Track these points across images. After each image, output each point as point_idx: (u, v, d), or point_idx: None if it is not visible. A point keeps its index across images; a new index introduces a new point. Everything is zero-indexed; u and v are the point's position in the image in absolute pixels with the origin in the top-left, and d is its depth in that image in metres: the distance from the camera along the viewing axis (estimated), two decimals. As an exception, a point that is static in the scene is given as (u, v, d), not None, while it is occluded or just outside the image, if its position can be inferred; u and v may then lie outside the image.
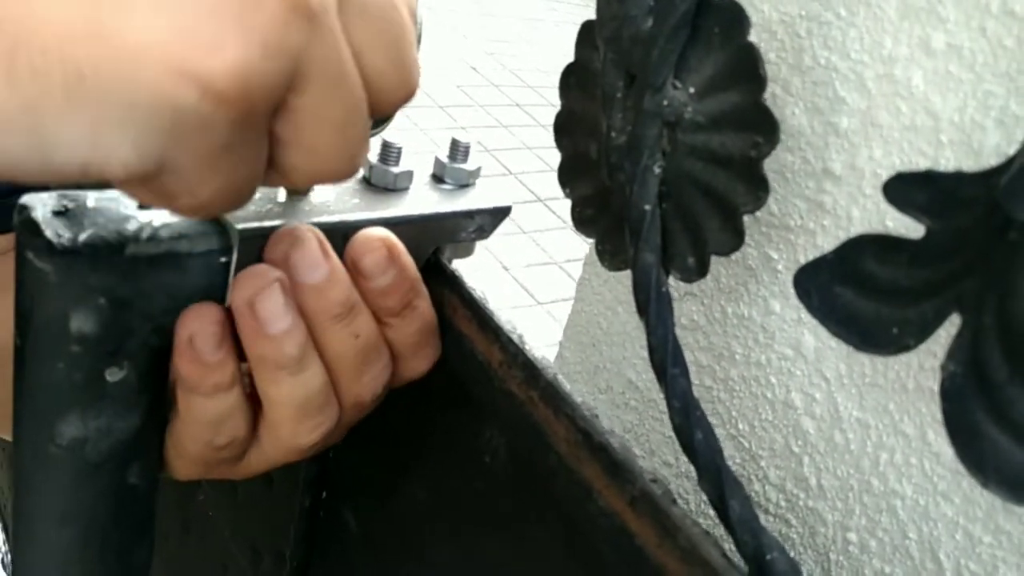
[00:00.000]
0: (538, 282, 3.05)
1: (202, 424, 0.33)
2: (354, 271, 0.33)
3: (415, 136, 3.73)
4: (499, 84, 4.47)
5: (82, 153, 0.23)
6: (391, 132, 0.41)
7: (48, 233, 0.28)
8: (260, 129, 0.26)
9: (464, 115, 4.08)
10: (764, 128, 0.28)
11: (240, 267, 0.31)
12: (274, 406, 0.33)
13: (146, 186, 0.25)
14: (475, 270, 0.40)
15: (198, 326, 0.31)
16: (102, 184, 0.26)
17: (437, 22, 4.94)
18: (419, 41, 0.44)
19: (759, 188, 0.29)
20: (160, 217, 0.30)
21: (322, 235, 0.32)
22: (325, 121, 0.26)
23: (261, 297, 0.31)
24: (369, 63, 0.27)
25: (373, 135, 0.48)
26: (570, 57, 0.34)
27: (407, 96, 0.29)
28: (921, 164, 0.27)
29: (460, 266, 0.38)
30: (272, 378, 0.32)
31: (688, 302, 0.35)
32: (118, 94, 0.23)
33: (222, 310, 0.31)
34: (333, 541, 0.52)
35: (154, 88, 0.23)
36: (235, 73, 0.23)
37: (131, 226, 0.29)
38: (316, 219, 0.32)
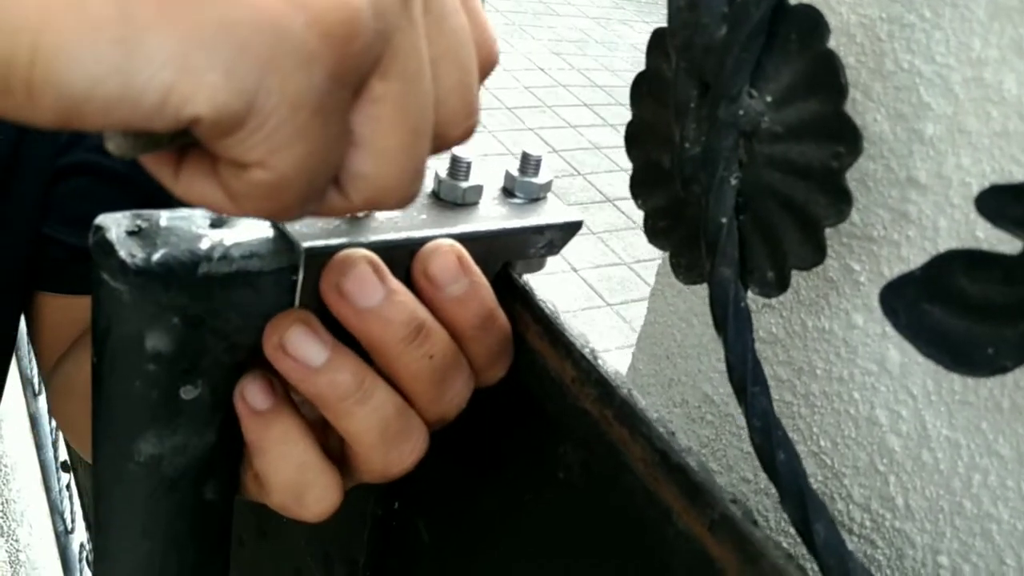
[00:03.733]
0: (607, 283, 3.03)
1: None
2: (424, 281, 0.32)
3: (483, 139, 3.74)
4: (567, 84, 4.45)
5: (168, 77, 0.21)
6: (462, 146, 0.40)
7: (122, 253, 0.28)
8: (346, 101, 0.24)
9: (531, 116, 4.08)
10: (846, 138, 0.27)
11: (307, 286, 0.31)
12: (354, 439, 0.32)
13: (227, 136, 0.23)
14: (543, 271, 0.39)
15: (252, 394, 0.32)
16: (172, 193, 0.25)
17: (503, 22, 4.95)
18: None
19: (841, 200, 0.27)
20: (232, 236, 0.30)
21: (375, 257, 0.31)
22: (401, 119, 0.25)
23: (287, 339, 0.30)
24: (440, 75, 0.27)
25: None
26: (638, 56, 0.34)
27: (468, 128, 0.28)
28: (1014, 172, 0.26)
29: (530, 278, 0.37)
30: (341, 411, 0.32)
31: (766, 315, 0.34)
32: (216, 7, 0.21)
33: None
34: (405, 551, 0.52)
35: (257, 4, 0.21)
36: (346, 14, 0.22)
37: (203, 245, 0.29)
38: (383, 236, 0.32)
